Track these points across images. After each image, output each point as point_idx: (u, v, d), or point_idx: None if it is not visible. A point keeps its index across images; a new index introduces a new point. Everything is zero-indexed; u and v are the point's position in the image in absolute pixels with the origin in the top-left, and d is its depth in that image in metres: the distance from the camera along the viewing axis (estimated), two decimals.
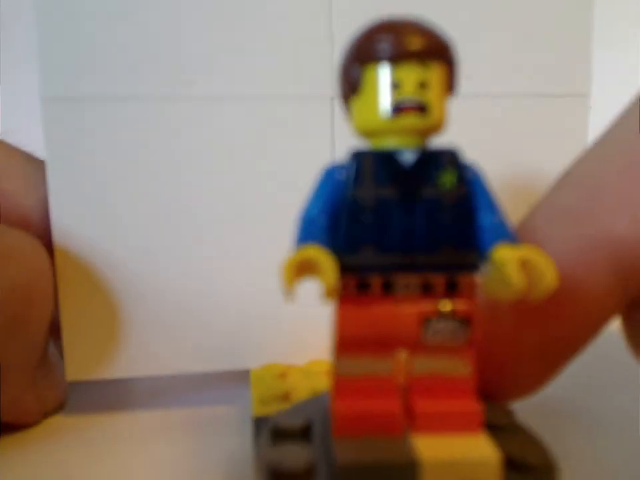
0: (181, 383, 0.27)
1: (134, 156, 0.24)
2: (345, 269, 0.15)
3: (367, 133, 0.16)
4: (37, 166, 0.24)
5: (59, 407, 0.25)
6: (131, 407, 0.25)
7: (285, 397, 0.22)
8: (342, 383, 0.16)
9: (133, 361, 0.24)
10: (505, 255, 0.14)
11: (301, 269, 0.14)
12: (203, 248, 0.24)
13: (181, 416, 0.24)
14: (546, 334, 0.17)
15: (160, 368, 0.25)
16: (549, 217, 0.17)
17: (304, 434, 0.16)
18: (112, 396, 0.26)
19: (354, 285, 0.15)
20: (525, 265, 0.14)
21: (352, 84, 0.15)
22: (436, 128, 0.15)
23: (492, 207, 0.16)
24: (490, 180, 0.23)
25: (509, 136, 0.24)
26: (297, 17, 0.24)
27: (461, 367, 0.16)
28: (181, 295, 0.25)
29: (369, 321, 0.15)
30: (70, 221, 0.24)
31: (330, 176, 0.15)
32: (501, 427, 0.16)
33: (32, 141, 0.24)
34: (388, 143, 0.15)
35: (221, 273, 0.25)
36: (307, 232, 0.15)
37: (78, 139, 0.23)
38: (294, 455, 0.15)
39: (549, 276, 0.14)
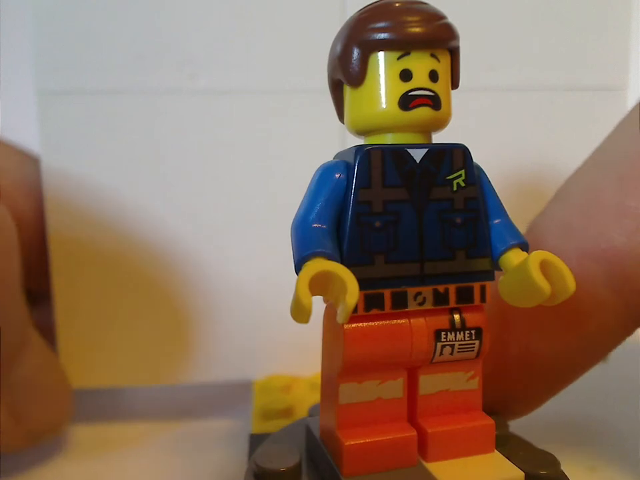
0: (184, 393, 0.26)
1: (133, 150, 0.23)
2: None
3: (365, 129, 0.14)
4: (31, 163, 0.23)
5: (52, 432, 0.21)
6: (126, 417, 0.24)
7: (288, 411, 0.20)
8: (345, 413, 0.14)
9: (133, 370, 0.23)
10: (523, 258, 0.13)
11: (317, 285, 0.12)
12: (207, 251, 0.23)
13: (177, 428, 0.23)
14: (544, 350, 0.16)
15: (162, 378, 0.24)
16: (548, 231, 0.17)
17: (292, 476, 0.14)
18: (110, 405, 0.25)
19: (362, 301, 0.13)
20: (544, 268, 0.13)
21: (353, 74, 0.13)
22: (444, 122, 0.14)
23: (500, 208, 0.14)
24: (523, 176, 0.22)
25: (544, 130, 0.23)
26: (306, 9, 0.22)
27: (468, 381, 0.15)
28: (184, 303, 0.23)
29: (377, 341, 0.14)
30: (65, 219, 0.22)
31: (328, 175, 0.14)
32: (500, 438, 0.15)
33: (28, 139, 0.23)
34: (388, 139, 0.14)
35: (223, 278, 0.23)
36: (309, 241, 0.13)
37: (74, 133, 0.22)
38: None
39: (568, 279, 0.13)
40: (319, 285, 0.12)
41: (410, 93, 0.13)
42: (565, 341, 0.16)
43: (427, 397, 0.14)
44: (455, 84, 0.14)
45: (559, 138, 0.23)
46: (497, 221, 0.14)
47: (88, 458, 0.21)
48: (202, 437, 0.22)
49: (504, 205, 0.18)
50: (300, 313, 0.12)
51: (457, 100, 0.22)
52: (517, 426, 0.17)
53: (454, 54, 0.14)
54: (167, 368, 0.23)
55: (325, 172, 0.14)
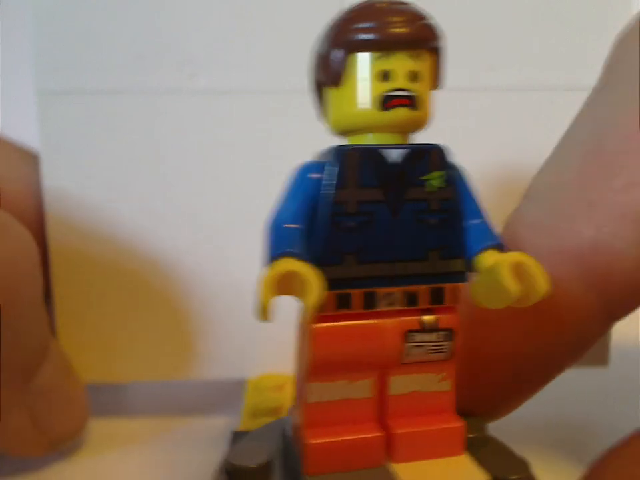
0: (178, 390, 0.26)
1: (133, 150, 0.23)
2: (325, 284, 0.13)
3: (346, 129, 0.14)
4: (30, 159, 0.23)
5: (71, 440, 0.21)
6: (118, 413, 0.24)
7: (277, 410, 0.21)
8: (313, 411, 0.14)
9: (129, 366, 0.23)
10: (497, 260, 0.13)
11: (281, 285, 0.12)
12: (204, 250, 0.23)
13: (175, 425, 0.23)
14: (521, 350, 0.16)
15: (159, 374, 0.23)
16: (519, 231, 0.17)
17: (263, 473, 0.14)
18: (104, 401, 0.25)
19: (332, 301, 0.13)
20: (516, 269, 0.13)
21: (333, 74, 0.13)
22: (423, 123, 0.14)
23: (478, 208, 0.14)
24: (523, 176, 0.21)
25: (544, 130, 0.22)
26: (306, 9, 0.22)
27: (440, 383, 0.15)
28: (183, 301, 0.23)
29: (346, 341, 0.14)
30: (65, 218, 0.22)
31: (304, 175, 0.13)
32: (476, 441, 0.15)
33: (28, 139, 0.23)
34: (369, 139, 0.14)
35: (222, 277, 0.23)
36: (281, 241, 0.13)
37: (74, 133, 0.22)
38: None
39: (541, 280, 0.13)
40: (285, 284, 0.12)
41: (388, 94, 0.13)
42: (542, 340, 0.16)
43: (397, 397, 0.14)
44: (437, 85, 0.14)
45: (559, 138, 0.24)
46: (473, 222, 0.14)
47: (84, 454, 0.21)
48: (199, 434, 0.22)
49: (503, 204, 0.18)
50: (261, 311, 0.12)
51: (457, 100, 0.22)
52: (517, 425, 0.18)
53: (437, 54, 0.14)
54: (166, 365, 0.24)
55: (302, 172, 0.14)
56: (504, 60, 0.23)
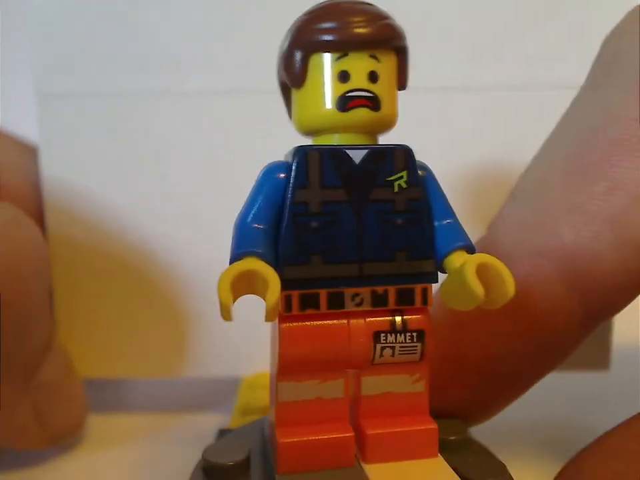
0: (175, 387, 0.26)
1: (132, 150, 0.23)
2: (288, 283, 0.13)
3: (310, 130, 0.14)
4: (30, 152, 0.23)
5: (71, 435, 0.21)
6: (115, 409, 0.25)
7: (267, 409, 0.20)
8: (284, 410, 0.14)
9: (126, 362, 0.24)
10: (463, 261, 0.13)
11: (240, 284, 0.12)
12: (204, 251, 0.23)
13: (164, 421, 0.23)
14: (494, 351, 0.16)
15: (156, 372, 0.24)
16: (504, 230, 0.17)
17: (240, 471, 0.14)
18: (102, 397, 0.25)
19: (297, 301, 0.13)
20: (483, 271, 0.13)
21: (295, 75, 0.13)
22: (387, 124, 0.14)
23: (448, 209, 0.14)
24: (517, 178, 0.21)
25: (544, 130, 0.22)
26: (300, 10, 0.22)
27: (414, 384, 0.15)
28: (178, 298, 0.24)
29: (314, 340, 0.14)
30: (65, 218, 0.23)
31: (269, 175, 0.14)
32: (456, 443, 0.15)
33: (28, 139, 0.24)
34: (334, 140, 0.14)
35: (218, 276, 0.23)
36: (244, 240, 0.13)
37: (73, 135, 0.23)
38: None
39: (508, 282, 0.13)
40: (246, 284, 0.12)
41: (348, 94, 0.13)
42: (523, 343, 0.16)
43: (369, 398, 0.14)
44: (402, 85, 0.14)
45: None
46: (443, 223, 0.14)
47: (82, 449, 0.21)
48: (195, 431, 0.22)
49: (503, 205, 0.18)
50: (221, 311, 0.12)
51: (456, 100, 0.22)
52: (517, 426, 0.18)
53: (401, 54, 0.14)
54: (163, 362, 0.24)
55: (267, 172, 0.14)
56: (503, 59, 0.23)
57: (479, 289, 0.13)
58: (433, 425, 0.14)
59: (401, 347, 0.14)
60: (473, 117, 0.23)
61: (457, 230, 0.14)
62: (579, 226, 0.15)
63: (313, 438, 0.14)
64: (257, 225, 0.13)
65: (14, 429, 0.19)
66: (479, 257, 0.13)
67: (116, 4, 0.22)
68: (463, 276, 0.13)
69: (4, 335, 0.17)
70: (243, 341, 0.24)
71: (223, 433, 0.19)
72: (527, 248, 0.16)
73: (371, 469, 0.14)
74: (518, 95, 0.23)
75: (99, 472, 0.20)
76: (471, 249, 0.14)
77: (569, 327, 0.16)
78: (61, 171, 0.23)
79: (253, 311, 0.23)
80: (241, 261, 0.12)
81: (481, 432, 0.17)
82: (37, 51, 0.22)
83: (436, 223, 0.14)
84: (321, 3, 0.14)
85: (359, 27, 0.13)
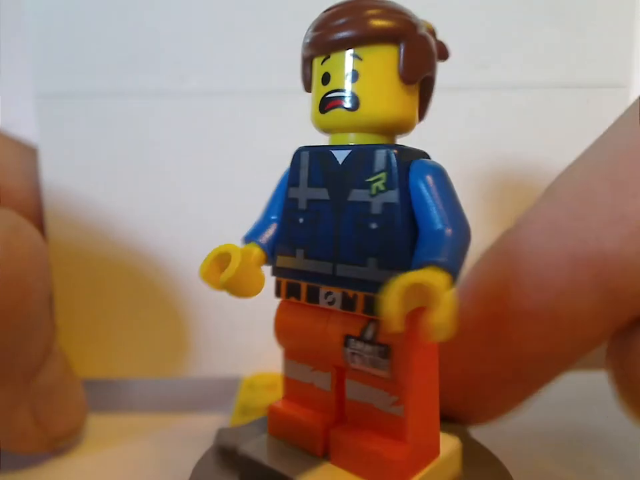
0: (175, 387, 0.26)
1: (132, 150, 0.23)
2: (279, 270, 0.15)
3: (320, 130, 0.14)
4: (29, 153, 0.23)
5: (71, 436, 0.21)
6: (115, 409, 0.24)
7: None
8: (288, 385, 0.15)
9: (126, 363, 0.24)
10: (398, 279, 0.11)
11: (224, 263, 0.14)
12: (203, 251, 0.24)
13: (164, 421, 0.23)
14: (522, 352, 0.16)
15: (156, 372, 0.24)
16: (535, 229, 0.16)
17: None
18: (101, 397, 0.25)
19: (285, 288, 0.15)
20: (421, 292, 0.11)
21: (303, 80, 0.14)
22: (380, 121, 0.13)
23: (440, 217, 0.12)
24: (522, 175, 0.23)
25: (544, 128, 0.22)
26: (297, 11, 0.22)
27: (392, 406, 0.13)
28: (178, 298, 0.24)
29: (299, 326, 0.15)
30: (64, 218, 0.23)
31: (286, 173, 0.15)
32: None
33: (27, 137, 0.24)
34: (348, 139, 0.14)
35: None
36: (255, 228, 0.15)
37: (72, 135, 0.23)
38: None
39: (442, 312, 0.11)
40: (226, 264, 0.14)
41: (327, 96, 0.13)
42: (547, 346, 0.16)
43: (353, 403, 0.14)
44: (406, 76, 0.13)
45: (559, 136, 0.22)
46: (428, 231, 0.12)
47: (82, 449, 0.21)
48: (195, 430, 0.22)
49: (536, 201, 0.17)
50: (207, 284, 0.14)
51: (457, 100, 0.22)
52: (523, 429, 0.18)
53: (404, 43, 0.13)
54: (163, 363, 0.24)
55: (285, 173, 0.15)
56: (503, 58, 0.22)
57: (391, 307, 0.11)
58: (400, 458, 0.13)
59: (370, 358, 0.13)
60: (473, 117, 0.22)
61: (438, 242, 0.12)
62: (623, 237, 0.14)
63: (291, 415, 0.15)
64: (269, 216, 0.15)
65: (14, 432, 0.19)
66: (415, 276, 0.11)
67: (115, 5, 0.22)
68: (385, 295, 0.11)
69: (5, 340, 0.18)
70: (243, 341, 0.23)
71: (222, 432, 0.19)
72: (560, 249, 0.15)
73: (328, 469, 0.14)
74: (518, 95, 0.22)
75: (99, 472, 0.20)
76: (442, 266, 0.12)
77: (593, 332, 0.15)
78: (60, 172, 0.23)
79: (253, 311, 0.24)
80: (223, 244, 0.14)
81: (481, 432, 0.17)
82: (37, 52, 0.22)
83: (423, 231, 0.12)
84: (324, 10, 0.14)
85: (337, 28, 0.13)
